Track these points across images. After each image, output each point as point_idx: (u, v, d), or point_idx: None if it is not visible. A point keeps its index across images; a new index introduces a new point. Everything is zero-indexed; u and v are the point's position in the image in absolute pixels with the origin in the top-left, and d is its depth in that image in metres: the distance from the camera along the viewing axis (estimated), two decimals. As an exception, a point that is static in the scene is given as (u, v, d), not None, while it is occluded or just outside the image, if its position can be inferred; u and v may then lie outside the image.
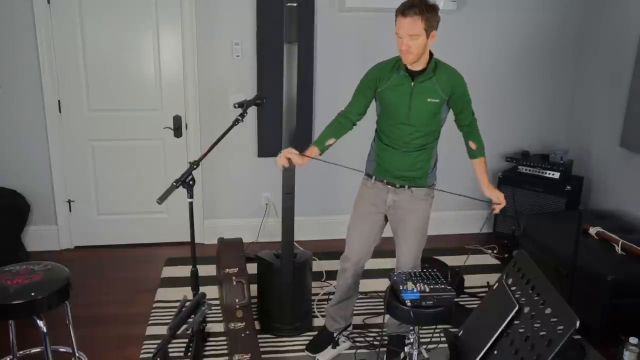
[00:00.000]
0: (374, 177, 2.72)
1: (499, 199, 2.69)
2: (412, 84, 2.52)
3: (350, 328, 3.04)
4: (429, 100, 2.54)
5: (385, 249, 4.19)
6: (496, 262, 4.13)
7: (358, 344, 3.00)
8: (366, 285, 3.62)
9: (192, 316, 2.48)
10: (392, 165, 2.66)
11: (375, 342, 3.03)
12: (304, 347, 2.98)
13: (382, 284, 3.61)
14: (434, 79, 2.53)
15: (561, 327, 1.72)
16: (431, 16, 2.41)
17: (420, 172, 2.73)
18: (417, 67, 2.51)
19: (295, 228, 3.03)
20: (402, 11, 2.37)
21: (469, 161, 2.92)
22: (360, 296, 3.47)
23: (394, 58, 2.59)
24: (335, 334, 2.95)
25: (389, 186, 2.69)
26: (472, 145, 2.79)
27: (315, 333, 3.05)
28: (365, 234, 2.77)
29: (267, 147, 4.15)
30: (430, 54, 2.56)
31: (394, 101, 2.56)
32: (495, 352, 1.98)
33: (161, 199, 2.50)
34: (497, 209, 2.71)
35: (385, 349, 2.94)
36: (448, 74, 2.58)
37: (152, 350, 2.82)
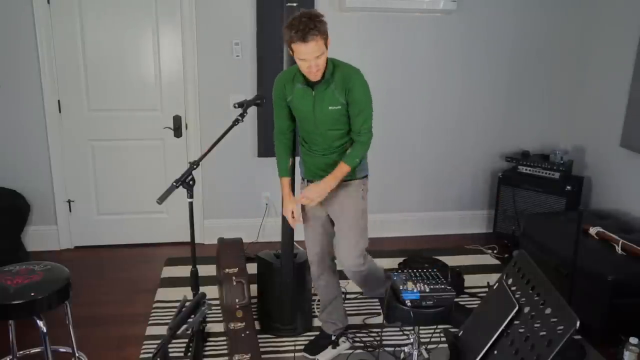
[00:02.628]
0: (306, 180, 2.77)
1: (309, 193, 2.55)
2: (313, 93, 2.51)
3: (350, 329, 3.04)
4: (330, 108, 2.50)
5: (385, 249, 4.20)
6: (496, 262, 4.13)
7: (357, 344, 3.00)
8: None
9: (192, 316, 2.48)
10: (316, 167, 2.69)
11: (375, 342, 3.03)
12: (303, 347, 2.97)
13: (382, 284, 3.61)
14: (332, 84, 2.48)
15: (561, 327, 1.72)
16: (325, 27, 2.33)
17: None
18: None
19: (295, 228, 3.03)
20: (301, 38, 2.27)
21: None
22: (361, 296, 3.47)
23: (293, 68, 2.55)
24: (333, 337, 2.94)
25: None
26: (348, 149, 2.59)
27: (315, 333, 3.05)
28: (314, 233, 2.81)
29: (267, 147, 4.14)
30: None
31: (301, 111, 2.59)
32: (495, 352, 1.98)
33: (161, 199, 2.51)
34: (301, 200, 2.58)
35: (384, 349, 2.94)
36: (343, 75, 2.48)
37: (152, 350, 2.82)
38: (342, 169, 2.54)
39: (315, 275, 2.89)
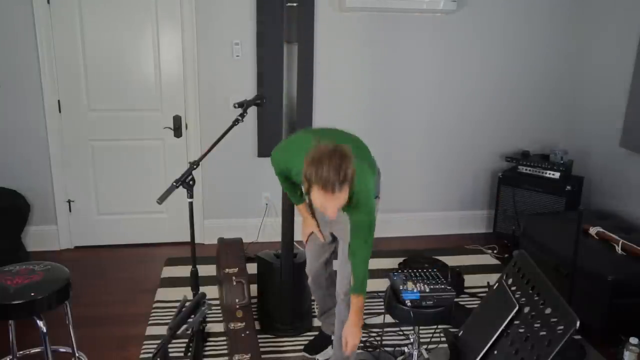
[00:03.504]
0: None
1: (351, 340, 2.34)
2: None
3: None
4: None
5: (385, 249, 4.20)
6: (496, 262, 4.13)
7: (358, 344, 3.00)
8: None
9: (192, 316, 2.48)
10: None
11: (375, 342, 3.03)
12: (303, 347, 2.98)
13: (382, 284, 3.61)
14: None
15: (561, 327, 1.72)
16: (353, 170, 2.03)
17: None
18: None
19: (295, 228, 3.03)
20: (331, 190, 1.99)
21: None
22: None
23: (298, 169, 2.22)
24: (332, 337, 2.95)
25: None
26: (352, 281, 2.37)
27: (315, 333, 3.06)
28: (316, 251, 2.76)
29: (267, 147, 4.14)
30: None
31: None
32: (495, 352, 1.98)
33: (161, 199, 2.51)
34: (346, 350, 2.38)
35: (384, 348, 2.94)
36: (354, 207, 2.22)
37: (152, 350, 2.82)
38: (360, 300, 2.34)
39: (312, 287, 2.87)
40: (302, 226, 2.73)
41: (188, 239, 2.88)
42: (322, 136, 2.27)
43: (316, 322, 3.17)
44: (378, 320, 3.24)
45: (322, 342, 2.95)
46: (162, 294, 3.53)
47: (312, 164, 2.01)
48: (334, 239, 2.72)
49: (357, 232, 2.29)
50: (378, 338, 3.05)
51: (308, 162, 2.03)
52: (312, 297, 3.05)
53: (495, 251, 4.29)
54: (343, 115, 4.23)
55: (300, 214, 2.73)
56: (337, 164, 1.98)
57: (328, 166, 1.97)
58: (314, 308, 3.28)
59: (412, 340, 2.61)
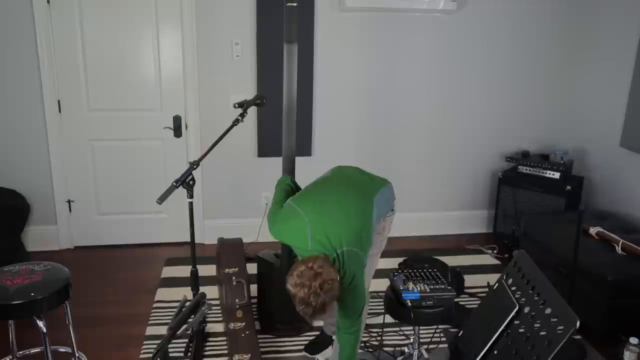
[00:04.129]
0: None
1: None
2: None
3: None
4: None
5: (385, 249, 4.19)
6: (496, 262, 4.13)
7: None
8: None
9: (192, 316, 2.48)
10: None
11: (375, 342, 3.03)
12: (303, 347, 2.98)
13: (382, 284, 3.61)
14: None
15: (561, 327, 1.72)
16: (333, 294, 2.04)
17: None
18: None
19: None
20: (307, 317, 2.07)
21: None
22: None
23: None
24: (332, 337, 2.94)
25: None
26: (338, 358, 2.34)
27: (315, 333, 3.05)
28: None
29: (267, 147, 4.15)
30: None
31: None
32: (495, 352, 1.98)
33: (161, 199, 2.50)
34: None
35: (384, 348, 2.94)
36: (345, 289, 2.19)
37: (152, 350, 2.82)
38: None
39: None
40: None
41: (188, 239, 2.88)
42: (315, 219, 2.21)
43: (316, 322, 3.17)
44: (378, 320, 3.24)
45: (322, 341, 2.95)
46: (162, 294, 3.53)
47: (293, 286, 2.03)
48: None
49: (345, 309, 2.24)
50: (378, 338, 3.05)
51: (290, 284, 2.04)
52: None
53: (495, 251, 4.28)
54: (343, 115, 4.23)
55: None
56: (317, 292, 1.98)
57: (307, 294, 1.98)
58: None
59: (412, 340, 2.61)
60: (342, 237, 2.17)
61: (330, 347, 2.92)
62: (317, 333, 3.03)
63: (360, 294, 2.23)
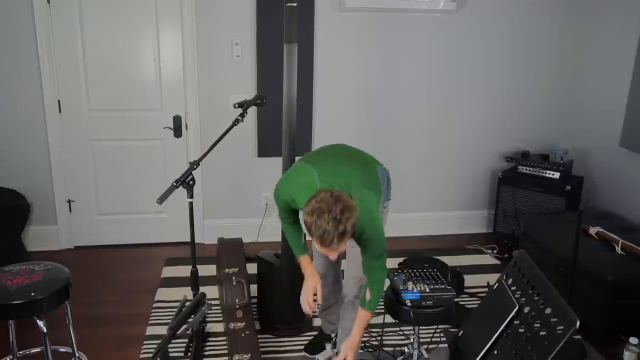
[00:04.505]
0: None
1: (352, 356, 2.31)
2: None
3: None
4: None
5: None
6: (496, 262, 4.13)
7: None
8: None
9: (192, 316, 2.48)
10: None
11: (375, 342, 3.03)
12: (303, 347, 2.98)
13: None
14: None
15: (561, 327, 1.72)
16: (354, 223, 1.99)
17: None
18: None
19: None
20: (328, 244, 1.98)
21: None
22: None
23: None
24: (332, 335, 2.95)
25: None
26: (367, 294, 2.32)
27: (315, 333, 3.05)
28: (326, 262, 2.70)
29: (267, 147, 4.15)
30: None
31: None
32: (495, 352, 1.98)
33: (161, 199, 2.50)
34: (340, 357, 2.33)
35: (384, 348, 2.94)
36: (360, 236, 2.19)
37: (152, 350, 2.82)
38: (368, 318, 2.32)
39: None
40: (304, 286, 2.46)
41: (188, 239, 2.88)
42: (325, 169, 2.26)
43: (317, 322, 3.17)
44: (378, 320, 3.23)
45: (321, 341, 2.95)
46: (162, 294, 3.53)
47: (311, 214, 1.98)
48: None
49: (369, 252, 2.24)
50: (378, 338, 3.05)
51: (307, 212, 1.99)
52: None
53: (495, 251, 4.28)
54: (343, 115, 4.23)
55: (302, 266, 2.51)
56: (337, 217, 1.95)
57: (327, 219, 1.94)
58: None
59: (412, 340, 2.61)
60: (351, 183, 2.19)
61: (329, 347, 2.91)
62: (316, 333, 3.03)
63: (379, 232, 2.20)
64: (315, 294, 2.42)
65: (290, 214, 2.48)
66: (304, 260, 2.50)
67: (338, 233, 1.96)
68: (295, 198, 2.30)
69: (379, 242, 2.22)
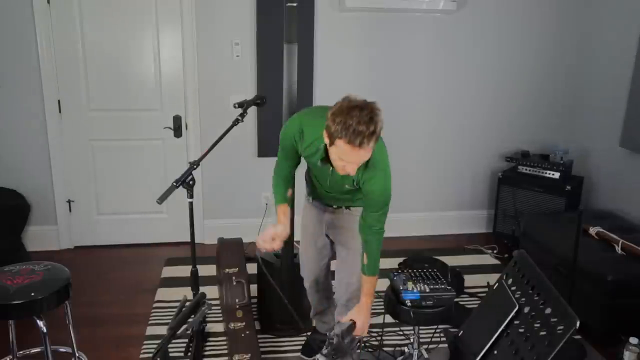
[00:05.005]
0: (311, 197, 2.61)
1: (361, 324, 2.27)
2: (330, 170, 2.24)
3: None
4: (346, 186, 2.29)
5: (385, 249, 4.18)
6: (496, 262, 4.13)
7: (358, 344, 3.00)
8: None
9: (192, 316, 2.48)
10: (323, 196, 2.49)
11: (375, 342, 3.03)
12: (300, 349, 2.97)
13: (382, 284, 3.60)
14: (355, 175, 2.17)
15: (561, 327, 1.72)
16: (381, 125, 1.99)
17: (356, 197, 2.43)
18: None
19: (295, 228, 3.02)
20: (359, 143, 1.91)
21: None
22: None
23: (317, 136, 2.17)
24: (328, 334, 2.92)
25: (326, 206, 2.55)
26: (365, 258, 2.31)
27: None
28: (312, 256, 2.69)
29: (267, 147, 4.14)
30: None
31: (314, 171, 2.39)
32: (495, 352, 1.98)
33: (161, 199, 2.50)
34: (356, 332, 2.27)
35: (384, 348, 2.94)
36: (368, 169, 2.16)
37: (152, 350, 2.82)
38: (373, 282, 2.32)
39: (309, 290, 2.82)
40: (268, 228, 2.39)
41: (188, 239, 2.88)
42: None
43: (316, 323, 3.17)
44: (378, 320, 3.23)
45: (317, 342, 2.92)
46: (162, 294, 3.53)
47: (339, 114, 1.93)
48: (330, 242, 2.67)
49: (371, 204, 2.20)
50: (378, 338, 3.05)
51: (335, 113, 1.94)
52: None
53: (495, 251, 4.28)
54: (343, 115, 4.23)
55: (277, 215, 2.45)
56: (368, 115, 1.92)
57: (359, 117, 1.90)
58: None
59: (412, 340, 2.61)
60: None
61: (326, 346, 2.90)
62: (309, 334, 3.01)
63: (388, 180, 2.17)
64: (274, 239, 2.32)
65: (287, 161, 2.43)
66: (280, 210, 2.44)
67: (369, 132, 1.91)
68: (305, 128, 2.23)
69: (386, 187, 2.17)
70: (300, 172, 2.61)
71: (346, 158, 1.98)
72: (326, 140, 2.03)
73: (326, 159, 2.16)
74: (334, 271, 2.71)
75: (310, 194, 2.64)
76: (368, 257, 2.30)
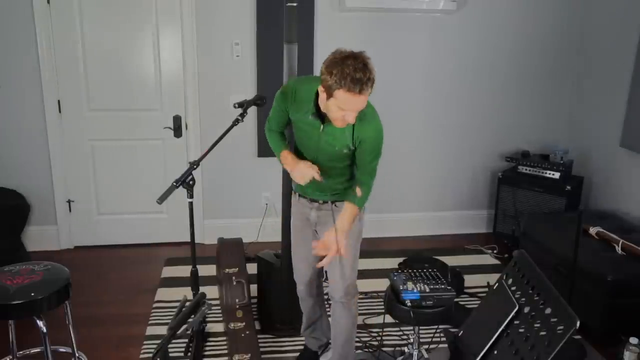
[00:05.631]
0: (297, 194, 2.57)
1: (333, 247, 2.24)
2: (321, 128, 2.26)
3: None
4: (337, 148, 2.29)
5: (385, 249, 4.20)
6: (496, 262, 4.13)
7: (357, 344, 3.00)
8: (366, 285, 3.61)
9: (192, 316, 2.48)
10: (310, 186, 2.43)
11: (375, 342, 3.03)
12: (303, 346, 2.97)
13: (382, 284, 3.61)
14: (346, 129, 2.23)
15: (561, 327, 1.72)
16: (373, 85, 2.10)
17: (342, 187, 2.44)
18: None
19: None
20: (359, 89, 2.00)
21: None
22: (361, 296, 3.47)
23: (308, 93, 2.26)
24: (319, 352, 2.89)
25: (313, 202, 2.49)
26: (358, 192, 2.31)
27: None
28: (304, 256, 2.64)
29: (267, 147, 4.11)
30: None
31: (303, 137, 2.37)
32: (495, 352, 1.98)
33: (161, 199, 2.50)
34: (323, 255, 2.26)
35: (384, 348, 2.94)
36: (362, 125, 2.23)
37: (152, 350, 2.82)
38: (353, 211, 2.30)
39: (302, 295, 2.76)
40: (297, 171, 2.34)
41: (188, 239, 2.88)
42: None
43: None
44: (378, 320, 3.24)
45: (309, 358, 2.91)
46: (162, 294, 3.53)
47: (334, 65, 2.02)
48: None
49: (368, 151, 2.27)
50: (378, 338, 3.05)
51: (330, 65, 2.03)
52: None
53: (495, 251, 4.28)
54: (343, 115, 4.23)
55: (285, 166, 2.43)
56: (362, 63, 2.03)
57: (354, 65, 2.01)
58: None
59: (412, 340, 2.61)
60: None
61: (329, 349, 2.91)
62: (302, 348, 2.96)
63: (379, 123, 2.30)
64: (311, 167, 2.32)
65: (278, 119, 2.45)
66: (285, 155, 2.43)
67: (366, 78, 2.01)
68: (297, 88, 2.31)
69: (378, 156, 2.30)
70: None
71: (347, 107, 2.05)
72: (322, 96, 2.10)
73: (317, 113, 2.23)
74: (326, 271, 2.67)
75: (296, 187, 2.58)
76: (362, 194, 2.32)
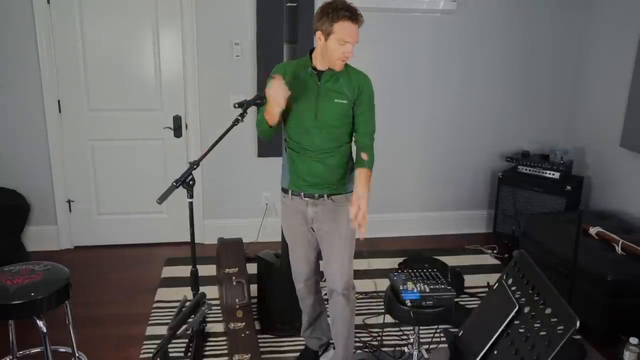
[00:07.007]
0: (290, 192, 2.54)
1: (364, 207, 2.24)
2: (319, 83, 2.38)
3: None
4: (336, 100, 2.38)
5: (385, 249, 4.20)
6: (496, 262, 4.13)
7: (357, 344, 3.00)
8: (366, 285, 3.62)
9: (192, 316, 2.48)
10: (306, 172, 2.46)
11: (375, 342, 3.03)
12: (303, 346, 2.97)
13: (382, 284, 3.61)
14: (341, 79, 2.39)
15: (561, 327, 1.72)
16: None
17: (337, 176, 2.48)
18: (325, 66, 2.38)
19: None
20: (351, 17, 2.24)
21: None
22: (360, 296, 3.47)
23: (298, 60, 2.49)
24: (319, 352, 2.89)
25: (307, 199, 2.49)
26: (364, 156, 2.43)
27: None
28: (303, 255, 2.63)
29: (267, 147, 4.15)
30: None
31: (301, 102, 2.40)
32: (495, 352, 1.99)
33: (161, 199, 2.50)
34: (354, 209, 2.24)
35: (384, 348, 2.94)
36: (355, 73, 2.45)
37: (152, 350, 2.82)
38: (367, 175, 2.38)
39: (301, 294, 2.75)
40: (267, 91, 2.33)
41: (188, 239, 2.88)
42: None
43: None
44: (378, 320, 3.24)
45: (309, 358, 2.90)
46: (162, 294, 3.53)
47: (324, 8, 2.25)
48: (315, 237, 2.60)
49: (365, 100, 2.47)
50: (378, 338, 3.06)
51: (320, 12, 2.25)
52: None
53: (495, 251, 4.29)
54: (343, 115, 4.23)
55: (266, 107, 2.41)
56: (348, 3, 2.26)
57: (343, 3, 2.25)
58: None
59: (412, 340, 2.61)
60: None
61: (331, 349, 2.90)
62: (302, 348, 2.95)
63: (373, 112, 2.54)
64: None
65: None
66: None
67: (357, 9, 2.27)
68: (285, 66, 2.49)
69: (374, 115, 2.53)
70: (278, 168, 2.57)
71: (347, 36, 2.24)
72: (319, 42, 2.29)
73: (313, 68, 2.38)
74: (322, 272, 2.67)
75: (289, 185, 2.54)
76: (368, 155, 2.46)
